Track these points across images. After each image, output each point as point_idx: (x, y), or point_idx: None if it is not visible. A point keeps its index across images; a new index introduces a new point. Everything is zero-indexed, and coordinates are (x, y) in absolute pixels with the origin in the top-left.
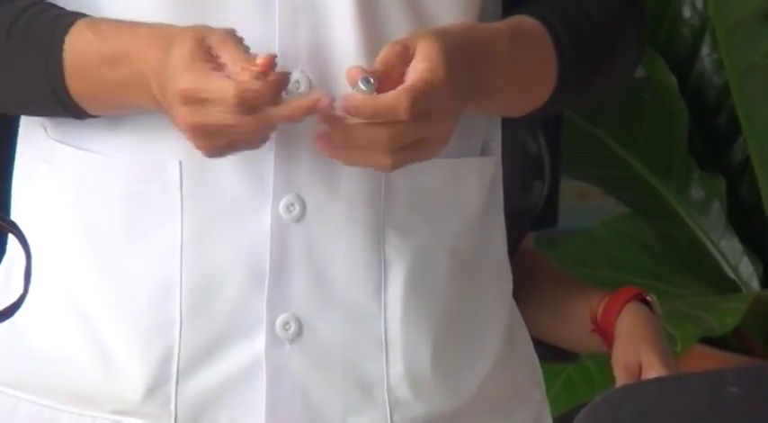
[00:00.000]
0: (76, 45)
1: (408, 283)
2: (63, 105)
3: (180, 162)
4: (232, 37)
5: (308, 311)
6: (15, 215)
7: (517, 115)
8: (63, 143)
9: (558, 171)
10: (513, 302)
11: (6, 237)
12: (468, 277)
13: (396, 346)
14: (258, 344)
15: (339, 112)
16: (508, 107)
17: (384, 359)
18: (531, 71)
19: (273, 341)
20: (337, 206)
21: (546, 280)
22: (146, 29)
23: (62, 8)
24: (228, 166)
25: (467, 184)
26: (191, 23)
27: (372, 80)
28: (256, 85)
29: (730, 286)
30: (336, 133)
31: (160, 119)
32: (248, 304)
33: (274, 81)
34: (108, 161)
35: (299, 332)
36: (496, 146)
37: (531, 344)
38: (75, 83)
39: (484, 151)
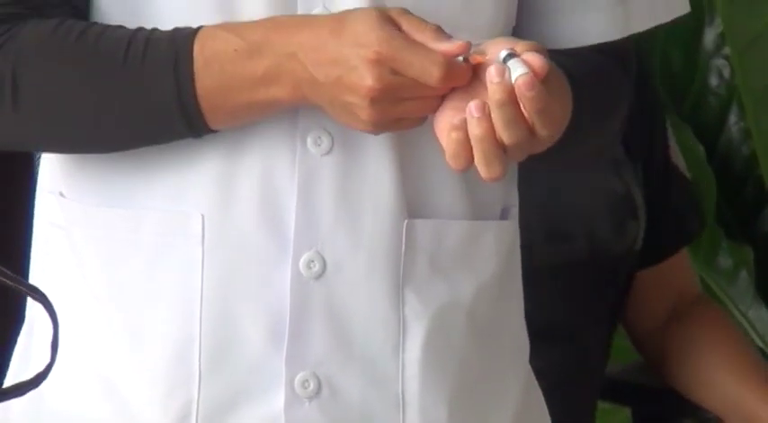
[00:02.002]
0: (209, 46)
1: (427, 343)
2: (185, 116)
3: (202, 215)
4: (410, 13)
5: (327, 369)
6: (34, 283)
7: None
8: (84, 203)
9: (672, 179)
10: (529, 366)
11: (25, 303)
12: (485, 339)
13: (413, 406)
14: (277, 401)
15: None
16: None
17: (401, 418)
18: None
19: (293, 399)
20: (357, 264)
21: (720, 361)
22: (286, 17)
23: (167, 30)
24: (250, 221)
25: (486, 246)
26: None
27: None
28: (462, 65)
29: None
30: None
31: (187, 171)
32: (267, 361)
33: (473, 60)
34: (133, 216)
35: (318, 390)
36: (515, 211)
37: (545, 407)
38: (206, 85)
39: (503, 215)
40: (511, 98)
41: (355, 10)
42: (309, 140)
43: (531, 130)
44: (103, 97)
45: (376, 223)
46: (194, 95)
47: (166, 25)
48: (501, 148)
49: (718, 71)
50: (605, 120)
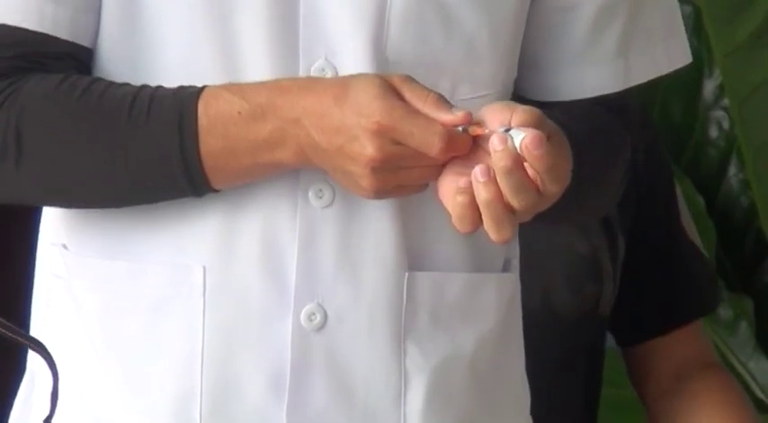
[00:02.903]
0: (213, 106)
1: (428, 395)
2: (188, 176)
3: (204, 268)
4: (413, 80)
5: (328, 422)
6: (35, 333)
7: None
8: (85, 255)
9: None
10: (530, 417)
11: (26, 354)
12: (486, 391)
13: None
14: None
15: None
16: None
17: None
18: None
19: None
20: (359, 316)
21: None
22: (289, 81)
23: (170, 88)
24: (251, 273)
25: (487, 298)
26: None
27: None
28: (463, 135)
29: (760, 406)
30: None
31: (188, 224)
32: (268, 413)
33: (471, 137)
34: (134, 268)
35: None
36: (516, 263)
37: None
38: (210, 146)
39: (505, 267)
40: (517, 163)
41: (358, 76)
42: (311, 193)
43: (538, 191)
44: (107, 154)
45: (377, 276)
46: (197, 155)
47: (168, 81)
48: (510, 210)
49: (718, 123)
50: (604, 177)
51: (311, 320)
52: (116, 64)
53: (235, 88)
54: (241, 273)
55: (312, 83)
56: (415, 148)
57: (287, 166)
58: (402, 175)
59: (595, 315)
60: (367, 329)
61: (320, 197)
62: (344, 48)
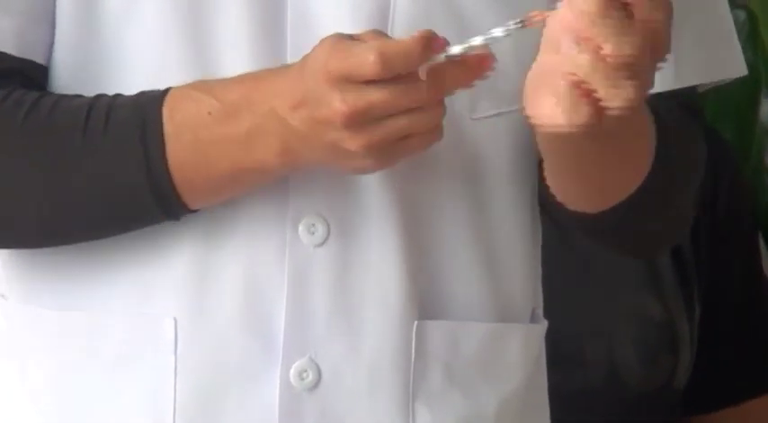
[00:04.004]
0: (179, 109)
1: None
2: (158, 195)
3: (175, 319)
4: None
5: None
6: None
7: (589, 205)
8: (31, 305)
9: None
10: None
11: None
12: None
13: None
14: None
15: None
16: (597, 172)
17: None
18: (636, 138)
19: None
20: (358, 374)
21: None
22: (265, 70)
23: (131, 95)
24: (231, 324)
25: (511, 353)
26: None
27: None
28: (400, 44)
29: None
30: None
31: (155, 265)
32: None
33: (421, 38)
34: (91, 320)
35: None
36: (541, 313)
37: None
38: (179, 157)
39: (533, 317)
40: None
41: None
42: (301, 228)
43: (639, 25)
44: (59, 180)
45: (380, 325)
46: (166, 169)
47: (134, 89)
48: (620, 63)
49: None
50: (676, 179)
51: (302, 379)
52: (74, 81)
53: (203, 86)
54: (219, 323)
55: (279, 69)
56: (386, 94)
57: (271, 169)
58: (390, 126)
59: (670, 389)
60: (368, 389)
61: (312, 233)
62: None
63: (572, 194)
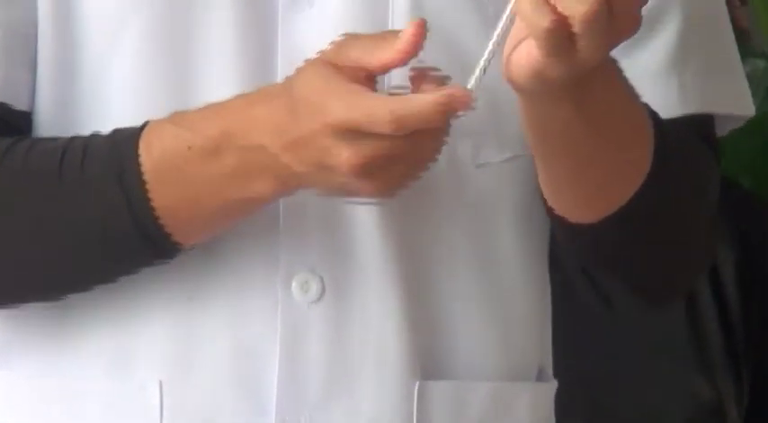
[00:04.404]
0: (157, 146)
1: None
2: (145, 236)
3: (160, 382)
4: (342, 44)
5: None
6: None
7: (583, 208)
8: (4, 369)
9: None
10: None
11: None
12: None
13: None
14: None
15: None
16: (581, 159)
17: None
18: (624, 131)
19: None
20: None
21: None
22: (236, 99)
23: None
24: (220, 388)
25: (519, 414)
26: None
27: None
28: (418, 104)
29: None
30: None
31: (137, 326)
32: None
33: (443, 100)
34: (69, 388)
35: None
36: (550, 373)
37: None
38: (164, 196)
39: (540, 376)
40: None
41: (299, 71)
42: (295, 285)
43: None
44: (38, 228)
45: (379, 387)
46: (149, 207)
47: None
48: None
49: None
50: (695, 192)
51: None
52: (56, 126)
53: (180, 119)
54: (207, 387)
55: (260, 96)
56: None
57: (268, 199)
58: (401, 165)
59: None
60: None
61: (306, 291)
62: None
63: (568, 197)
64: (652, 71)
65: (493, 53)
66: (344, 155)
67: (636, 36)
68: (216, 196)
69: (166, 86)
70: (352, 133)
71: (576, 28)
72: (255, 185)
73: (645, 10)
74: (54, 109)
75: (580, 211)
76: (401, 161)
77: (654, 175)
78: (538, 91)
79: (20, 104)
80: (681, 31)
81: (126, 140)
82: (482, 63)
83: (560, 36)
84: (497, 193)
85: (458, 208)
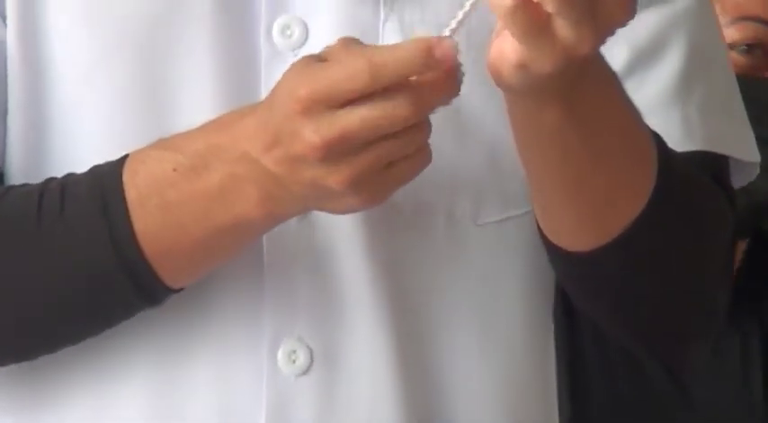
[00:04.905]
0: (141, 172)
1: None
2: (129, 274)
3: None
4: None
5: None
6: None
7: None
8: None
9: None
10: None
11: None
12: None
13: None
14: None
15: None
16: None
17: None
18: (621, 143)
19: None
20: None
21: None
22: (230, 113)
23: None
24: None
25: None
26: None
27: None
28: (395, 50)
29: None
30: None
31: (115, 390)
32: None
33: (424, 46)
34: None
35: None
36: None
37: None
38: (147, 224)
39: None
40: None
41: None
42: (281, 355)
43: None
44: (14, 273)
45: None
46: (134, 241)
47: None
48: None
49: None
50: (704, 228)
51: None
52: (25, 177)
53: (163, 143)
54: None
55: (251, 108)
56: (365, 120)
57: (253, 223)
58: (371, 153)
59: None
60: None
61: (294, 361)
62: None
63: (562, 217)
64: (654, 104)
65: (474, 6)
66: (307, 136)
67: (635, 69)
68: (202, 221)
69: (141, 136)
70: (317, 110)
71: (549, 6)
72: (240, 201)
73: (645, 41)
74: (25, 160)
75: (574, 237)
76: (374, 142)
77: (656, 202)
78: (526, 88)
79: None
80: (683, 65)
81: (108, 172)
82: (461, 14)
83: (529, 18)
84: (499, 252)
85: (457, 268)
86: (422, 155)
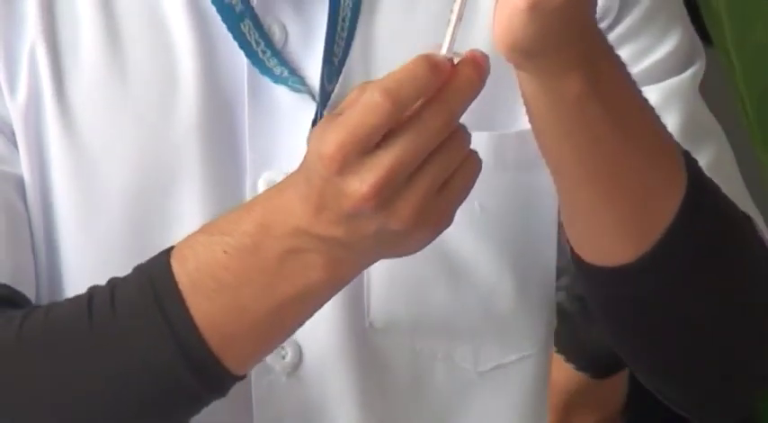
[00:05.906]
0: (191, 259)
1: None
2: (192, 365)
3: None
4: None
5: None
6: None
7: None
8: None
9: None
10: None
11: None
12: None
13: None
14: None
15: None
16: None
17: None
18: (643, 145)
19: None
20: None
21: None
22: (266, 191)
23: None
24: None
25: None
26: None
27: None
28: (402, 71)
29: None
30: None
31: None
32: None
33: (425, 58)
34: None
35: None
36: None
37: None
38: (205, 310)
39: None
40: None
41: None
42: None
43: None
44: (73, 386)
45: None
46: (194, 327)
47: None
48: None
49: None
50: (726, 259)
51: None
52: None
53: (209, 228)
54: None
55: (287, 181)
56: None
57: (318, 290)
58: (423, 180)
59: None
60: None
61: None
62: None
63: (602, 225)
64: None
65: (460, 17)
66: (355, 189)
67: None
68: (261, 299)
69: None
70: (353, 162)
71: None
72: (305, 270)
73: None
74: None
75: (613, 245)
76: (421, 168)
77: (689, 204)
78: (543, 43)
79: (28, 292)
80: (679, 136)
81: (156, 265)
82: (451, 27)
83: None
84: (501, 400)
85: (458, 417)
86: (470, 162)
